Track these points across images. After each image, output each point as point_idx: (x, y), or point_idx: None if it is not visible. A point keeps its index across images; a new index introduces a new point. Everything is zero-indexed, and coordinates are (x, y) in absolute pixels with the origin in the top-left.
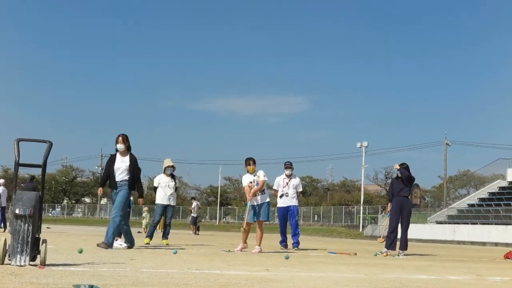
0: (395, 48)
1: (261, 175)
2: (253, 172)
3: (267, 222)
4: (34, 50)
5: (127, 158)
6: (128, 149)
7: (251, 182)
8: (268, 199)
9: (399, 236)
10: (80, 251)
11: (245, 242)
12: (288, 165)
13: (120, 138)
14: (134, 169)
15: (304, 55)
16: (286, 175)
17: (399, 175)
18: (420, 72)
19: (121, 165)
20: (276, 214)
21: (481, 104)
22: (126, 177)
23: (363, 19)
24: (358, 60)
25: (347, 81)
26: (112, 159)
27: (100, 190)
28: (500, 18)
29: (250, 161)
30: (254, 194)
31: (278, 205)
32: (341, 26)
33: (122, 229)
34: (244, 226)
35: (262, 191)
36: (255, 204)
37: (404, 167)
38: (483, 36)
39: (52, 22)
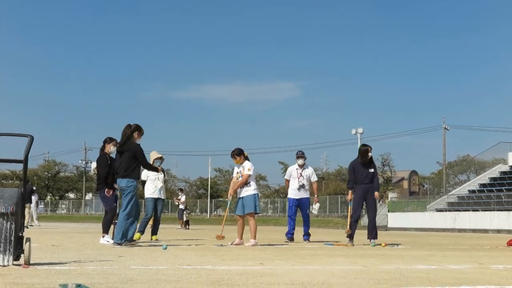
0: (391, 33)
1: (245, 168)
2: (240, 163)
3: (260, 214)
4: (11, 43)
5: None
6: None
7: (237, 173)
8: (255, 191)
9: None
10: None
11: (241, 237)
12: (300, 155)
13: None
14: None
15: (291, 41)
16: (298, 165)
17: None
18: (417, 56)
19: None
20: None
21: (480, 87)
22: None
23: (356, 3)
24: (350, 45)
25: (338, 66)
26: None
27: None
28: (500, 6)
29: (233, 154)
30: (236, 189)
31: (289, 196)
32: (332, 10)
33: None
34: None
35: (247, 183)
36: (240, 197)
37: (366, 149)
38: (482, 22)
39: (29, 14)
